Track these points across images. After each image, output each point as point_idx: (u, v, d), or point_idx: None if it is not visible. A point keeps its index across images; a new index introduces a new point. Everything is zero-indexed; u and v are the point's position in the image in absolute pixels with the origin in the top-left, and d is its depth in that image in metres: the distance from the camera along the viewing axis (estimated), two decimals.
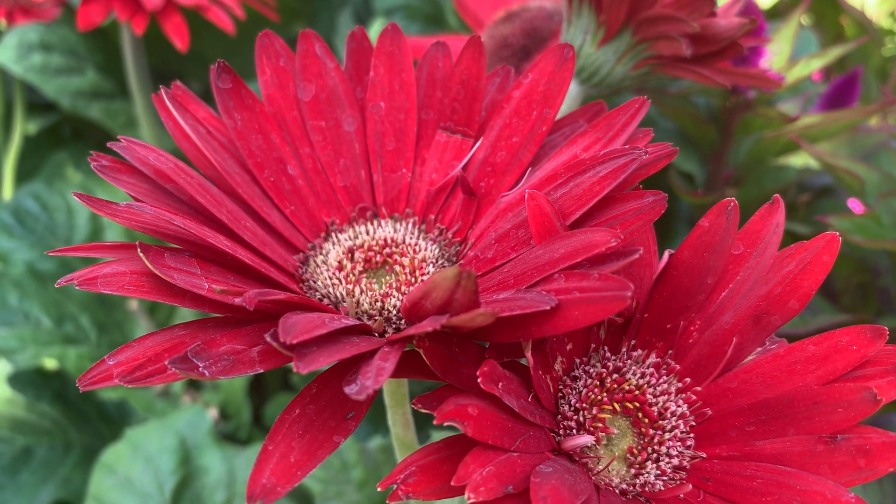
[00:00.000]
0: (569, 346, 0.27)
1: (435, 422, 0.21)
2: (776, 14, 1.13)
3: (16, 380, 0.74)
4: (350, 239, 0.31)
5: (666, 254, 0.27)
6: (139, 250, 0.23)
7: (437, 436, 0.44)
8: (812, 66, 0.55)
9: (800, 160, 0.65)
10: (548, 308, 0.22)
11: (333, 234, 0.31)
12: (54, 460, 0.72)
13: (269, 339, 0.21)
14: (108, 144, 0.29)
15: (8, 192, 0.88)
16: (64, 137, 0.99)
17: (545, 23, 0.59)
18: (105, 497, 0.51)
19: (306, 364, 0.20)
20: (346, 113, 0.32)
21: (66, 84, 0.72)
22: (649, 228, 0.28)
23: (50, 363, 0.72)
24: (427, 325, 0.21)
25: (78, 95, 0.73)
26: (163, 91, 0.31)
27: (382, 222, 0.31)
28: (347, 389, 0.21)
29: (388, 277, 0.29)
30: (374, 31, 0.68)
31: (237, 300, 0.22)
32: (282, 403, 0.72)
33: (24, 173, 1.00)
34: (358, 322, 0.24)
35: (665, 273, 0.27)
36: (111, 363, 0.24)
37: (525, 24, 0.59)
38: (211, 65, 0.31)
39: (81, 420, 0.77)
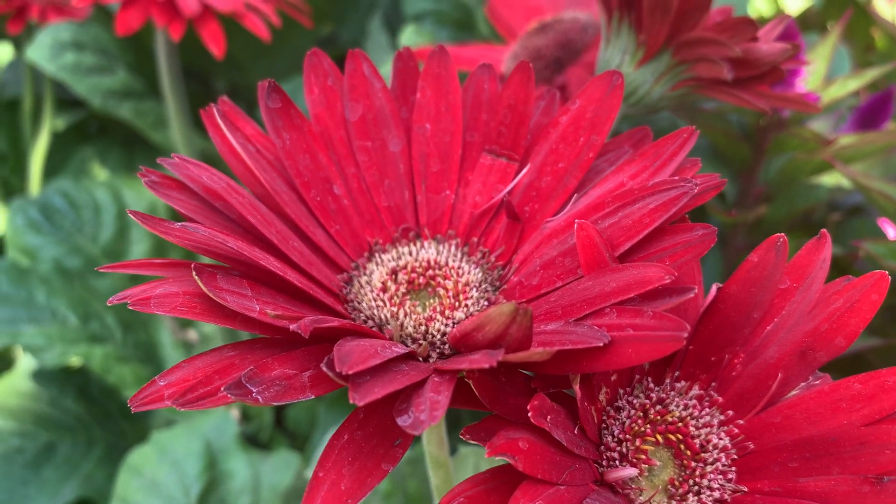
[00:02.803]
0: (613, 377, 0.27)
1: (486, 455, 0.21)
2: (805, 22, 1.12)
3: (40, 375, 0.75)
4: (393, 259, 0.31)
5: (714, 287, 0.27)
6: (194, 273, 0.23)
7: (464, 450, 0.44)
8: (848, 86, 0.55)
9: (831, 179, 0.64)
10: (600, 345, 0.22)
11: (377, 255, 0.31)
12: (77, 457, 0.73)
13: (325, 368, 0.21)
14: (159, 160, 0.29)
15: (35, 187, 0.89)
16: (90, 133, 1.00)
17: (579, 35, 0.59)
18: (131, 499, 0.52)
19: (362, 395, 0.20)
20: (392, 133, 0.32)
21: (98, 83, 0.73)
22: (695, 260, 0.28)
23: (75, 360, 0.73)
24: (483, 362, 0.21)
25: (109, 95, 0.74)
26: (212, 107, 0.31)
27: (425, 243, 0.31)
28: (401, 421, 0.21)
29: (431, 300, 0.29)
30: (405, 37, 0.68)
31: (292, 327, 0.22)
32: (303, 406, 0.72)
33: (51, 168, 1.01)
34: (407, 350, 0.24)
35: (712, 306, 0.27)
36: (162, 384, 0.24)
37: (559, 35, 0.59)
38: (259, 82, 0.32)
39: (104, 417, 0.77)
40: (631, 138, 0.32)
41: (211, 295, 0.23)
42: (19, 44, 0.97)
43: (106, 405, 0.79)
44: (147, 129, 0.76)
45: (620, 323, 0.22)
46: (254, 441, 0.72)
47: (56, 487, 0.69)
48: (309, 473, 0.49)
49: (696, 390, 0.28)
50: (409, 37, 0.68)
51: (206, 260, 0.27)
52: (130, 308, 0.24)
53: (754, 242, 0.66)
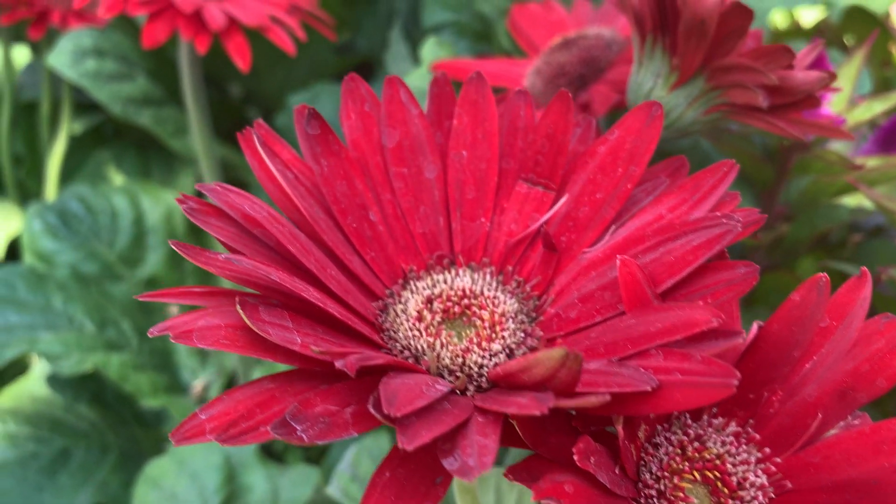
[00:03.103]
0: (652, 414, 0.26)
1: (532, 499, 0.21)
2: (819, 35, 1.12)
3: (54, 380, 0.75)
4: (428, 287, 0.31)
5: (754, 326, 0.27)
6: (239, 307, 0.23)
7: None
8: (874, 109, 0.55)
9: (853, 199, 0.64)
10: (648, 389, 0.21)
11: (411, 282, 0.31)
12: (92, 463, 0.73)
13: (372, 410, 0.21)
14: (197, 186, 0.29)
15: (52, 192, 0.89)
16: (106, 136, 1.00)
17: (603, 52, 0.59)
18: None
19: (410, 439, 0.20)
20: (428, 160, 0.32)
21: (118, 90, 0.73)
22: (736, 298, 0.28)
23: (90, 368, 0.73)
24: (532, 408, 0.20)
25: (129, 102, 0.74)
26: (250, 131, 0.31)
27: (460, 271, 0.31)
28: (447, 463, 0.21)
29: (467, 331, 0.29)
30: (427, 50, 0.68)
31: (338, 364, 0.22)
32: None
33: (67, 172, 1.01)
34: (451, 386, 0.24)
35: (752, 344, 0.27)
36: (203, 417, 0.24)
37: (583, 52, 0.59)
38: (296, 107, 0.32)
39: (118, 422, 0.77)
40: (667, 168, 0.32)
41: (254, 328, 0.23)
42: (36, 46, 0.97)
43: (120, 411, 0.79)
44: (166, 136, 0.76)
45: (668, 366, 0.22)
46: (268, 451, 0.72)
47: (71, 494, 0.69)
48: (329, 489, 0.49)
49: (733, 427, 0.28)
50: (431, 49, 0.68)
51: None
52: (173, 341, 0.24)
53: (774, 261, 0.66)
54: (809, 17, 1.20)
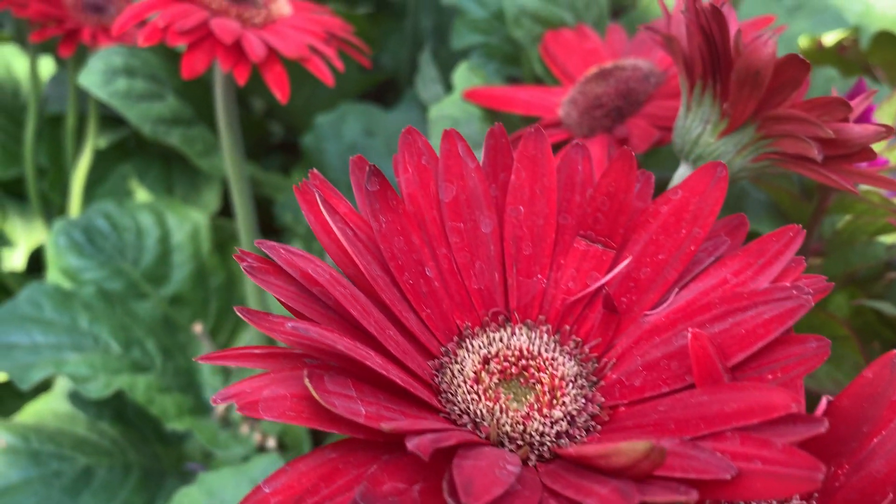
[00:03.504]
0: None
1: None
2: (840, 58, 1.11)
3: (77, 397, 0.74)
4: (484, 346, 0.30)
5: (823, 400, 0.27)
6: (307, 380, 0.23)
7: None
8: None
9: (890, 237, 0.63)
10: (728, 477, 0.21)
11: (467, 340, 0.30)
12: (115, 482, 0.73)
13: (448, 497, 0.21)
14: (256, 243, 0.29)
15: (76, 207, 0.89)
16: (129, 150, 1.00)
17: (640, 84, 0.59)
18: None
19: None
20: (484, 214, 0.31)
21: (148, 110, 0.73)
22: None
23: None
24: (616, 502, 0.20)
25: (159, 122, 0.73)
26: (306, 185, 0.31)
27: (516, 329, 0.31)
28: None
29: (527, 395, 0.29)
30: (459, 76, 0.68)
31: (410, 445, 0.22)
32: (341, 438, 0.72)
33: (89, 184, 1.01)
34: (519, 463, 0.24)
35: None
36: (267, 491, 0.23)
37: (620, 84, 0.59)
38: (353, 159, 0.31)
39: (140, 440, 0.77)
40: (727, 225, 0.32)
41: (321, 401, 0.23)
42: (62, 58, 0.97)
43: (142, 428, 0.79)
44: (195, 156, 0.76)
45: (746, 452, 0.22)
46: None
47: None
48: None
49: (796, 500, 0.27)
50: (463, 75, 0.68)
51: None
52: (238, 412, 0.23)
53: None
54: (830, 36, 1.19)
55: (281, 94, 0.51)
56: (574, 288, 0.31)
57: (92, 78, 0.70)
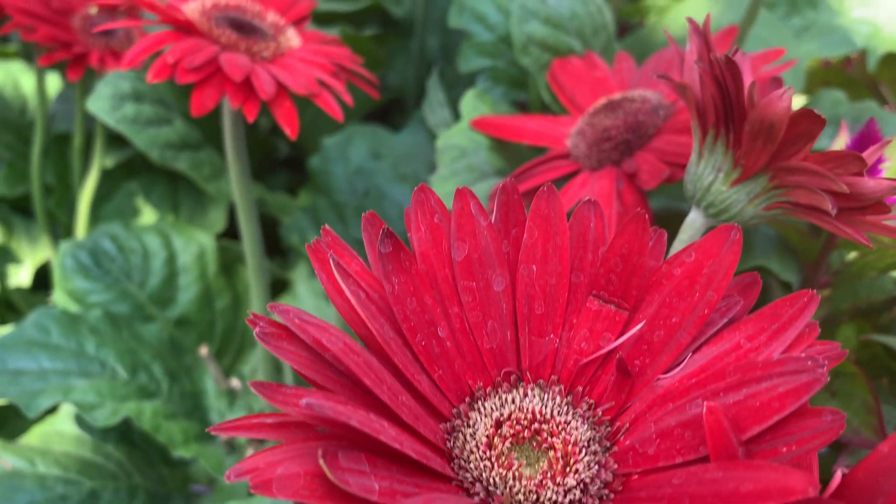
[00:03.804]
0: None
1: None
2: (843, 76, 1.11)
3: (82, 419, 0.74)
4: (496, 408, 0.30)
5: (838, 473, 0.26)
6: (321, 460, 0.23)
7: None
8: None
9: None
10: None
11: (479, 402, 0.30)
12: None
13: None
14: (269, 307, 0.28)
15: (82, 228, 0.89)
16: (136, 168, 1.01)
17: (649, 117, 0.59)
18: None
19: None
20: (496, 272, 0.31)
21: (156, 135, 0.73)
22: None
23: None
24: None
25: (167, 147, 0.74)
26: (318, 244, 0.31)
27: (528, 390, 0.31)
28: None
29: (539, 461, 0.29)
30: (466, 104, 0.68)
31: None
32: None
33: (95, 201, 1.01)
34: None
35: (835, 493, 0.26)
36: None
37: (629, 117, 0.59)
38: (366, 217, 0.31)
39: (146, 464, 0.77)
40: (739, 284, 0.32)
41: (335, 481, 0.23)
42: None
43: (147, 451, 0.78)
44: (202, 181, 0.76)
45: None
46: None
47: None
48: None
49: None
50: (470, 103, 0.68)
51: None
52: (251, 492, 0.23)
53: None
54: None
55: (290, 130, 0.51)
56: (587, 348, 0.31)
57: (100, 104, 0.70)
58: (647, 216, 0.30)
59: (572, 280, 0.31)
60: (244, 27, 0.57)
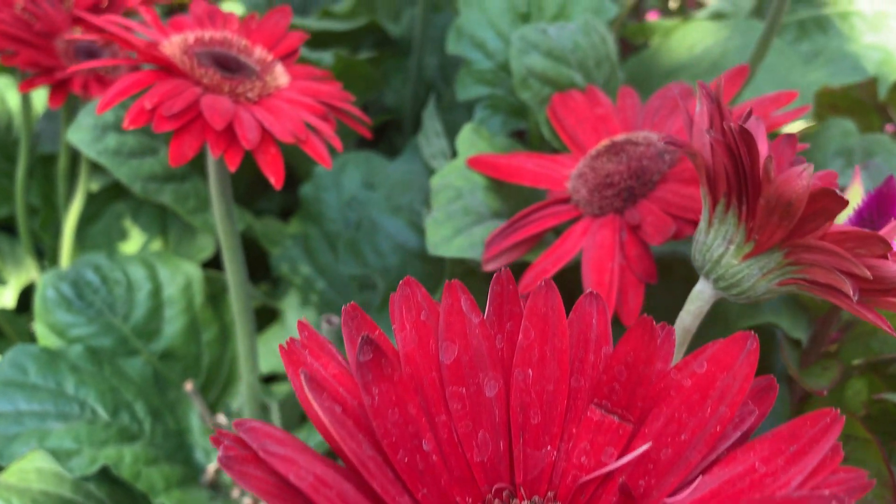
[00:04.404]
0: None
1: None
2: (848, 99, 1.08)
3: None
4: None
5: None
6: None
7: None
8: None
9: None
10: None
11: None
12: None
13: None
14: (234, 424, 0.26)
15: (67, 254, 0.86)
16: (123, 189, 0.98)
17: (654, 163, 0.56)
18: None
19: None
20: (489, 376, 0.29)
21: (139, 167, 0.70)
22: None
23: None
24: None
25: (150, 179, 0.71)
26: (292, 344, 0.28)
27: None
28: None
29: None
30: (463, 140, 0.65)
31: None
32: None
33: (82, 222, 0.99)
34: None
35: None
36: None
37: (632, 162, 0.56)
38: (346, 314, 0.28)
39: (128, 501, 0.75)
40: (753, 389, 0.29)
41: None
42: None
43: (129, 487, 0.76)
44: (187, 214, 0.74)
45: None
46: None
47: None
48: None
49: None
50: (467, 139, 0.65)
51: None
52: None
53: (821, 384, 0.62)
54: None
55: (275, 179, 0.48)
56: (587, 463, 0.28)
57: (80, 135, 0.68)
58: (652, 322, 0.28)
59: (572, 384, 0.29)
60: (229, 64, 0.54)
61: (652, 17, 1.59)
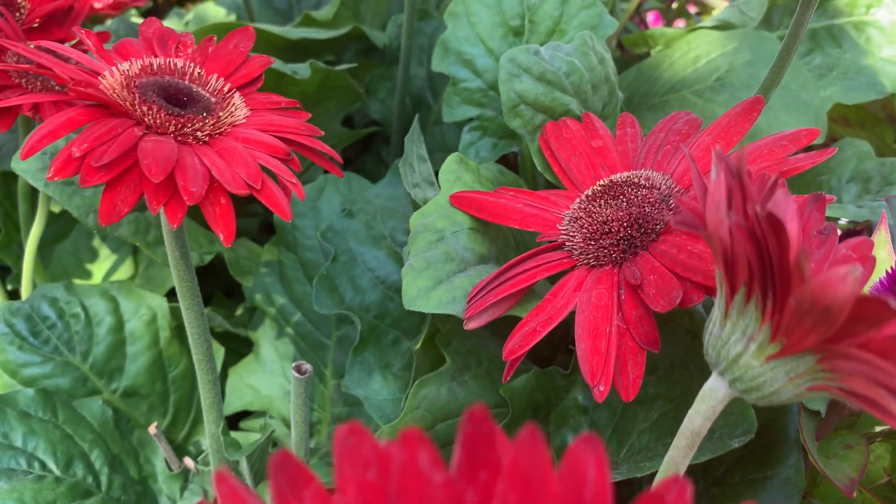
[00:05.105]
0: None
1: None
2: (860, 115, 1.03)
3: None
4: None
5: None
6: None
7: None
8: None
9: None
10: None
11: None
12: None
13: None
14: None
15: (26, 285, 0.80)
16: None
17: (657, 209, 0.50)
18: None
19: None
20: None
21: (93, 199, 0.64)
22: None
23: None
24: None
25: None
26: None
27: None
28: None
29: None
30: (445, 172, 0.59)
31: None
32: None
33: (51, 239, 0.93)
34: None
35: None
36: None
37: (632, 208, 0.50)
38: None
39: None
40: None
41: None
42: None
43: None
44: (147, 247, 0.68)
45: None
46: None
47: None
48: None
49: None
50: (451, 171, 0.58)
51: None
52: None
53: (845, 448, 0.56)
54: None
55: (224, 235, 0.42)
56: None
57: (26, 164, 0.61)
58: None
59: None
60: (179, 97, 0.48)
61: (652, 17, 1.52)
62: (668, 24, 1.44)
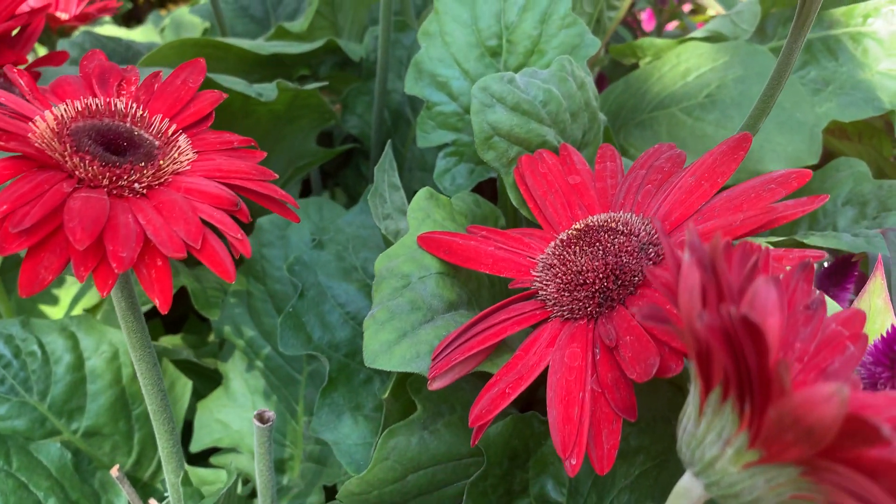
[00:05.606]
0: None
1: None
2: (861, 130, 0.99)
3: None
4: None
5: None
6: None
7: None
8: None
9: None
10: None
11: None
12: None
13: None
14: None
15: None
16: None
17: (635, 259, 0.46)
18: None
19: None
20: None
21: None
22: None
23: None
24: None
25: None
26: None
27: None
28: None
29: None
30: (415, 207, 0.55)
31: None
32: None
33: (18, 262, 0.89)
34: None
35: None
36: None
37: (609, 257, 0.46)
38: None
39: None
40: None
41: None
42: None
43: None
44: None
45: None
46: None
47: None
48: None
49: None
50: (421, 207, 0.55)
51: None
52: None
53: None
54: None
55: (161, 301, 0.38)
56: None
57: None
58: None
59: None
60: (119, 142, 0.44)
61: (646, 16, 1.47)
62: (661, 25, 1.40)
